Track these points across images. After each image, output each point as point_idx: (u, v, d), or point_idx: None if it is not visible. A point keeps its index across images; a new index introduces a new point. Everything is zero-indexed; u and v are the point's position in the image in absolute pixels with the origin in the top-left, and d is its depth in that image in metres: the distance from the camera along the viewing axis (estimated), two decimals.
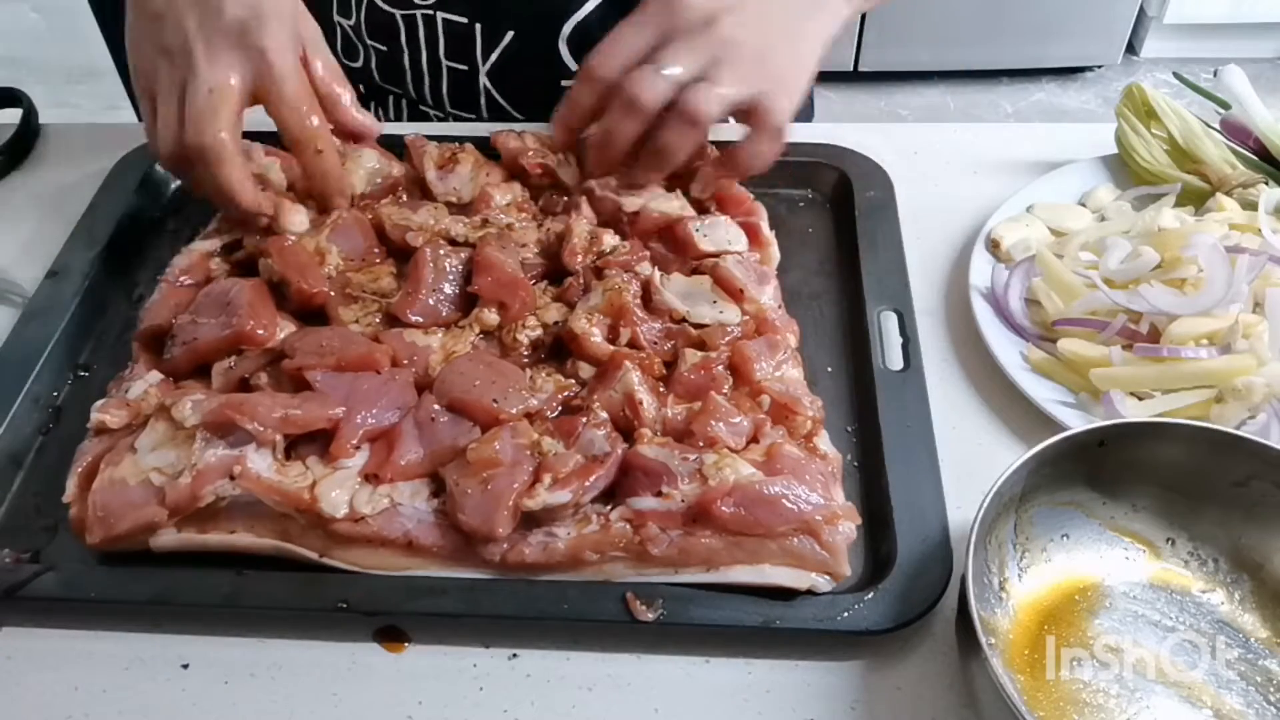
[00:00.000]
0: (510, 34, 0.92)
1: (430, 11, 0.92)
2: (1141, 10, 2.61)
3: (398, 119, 1.04)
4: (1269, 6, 2.56)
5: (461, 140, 0.83)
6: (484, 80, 0.96)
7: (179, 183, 0.87)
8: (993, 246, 0.78)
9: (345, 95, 0.74)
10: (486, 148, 0.82)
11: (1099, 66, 2.73)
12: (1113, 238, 0.74)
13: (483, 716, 0.57)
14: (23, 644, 0.60)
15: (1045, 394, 0.68)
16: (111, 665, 0.59)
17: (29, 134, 0.93)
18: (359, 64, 1.01)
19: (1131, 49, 2.72)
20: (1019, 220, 0.80)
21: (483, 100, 0.98)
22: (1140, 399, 0.67)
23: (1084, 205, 0.82)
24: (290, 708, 0.57)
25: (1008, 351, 0.71)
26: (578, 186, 0.78)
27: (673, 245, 0.75)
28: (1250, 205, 0.75)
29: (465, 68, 0.95)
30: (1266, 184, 0.77)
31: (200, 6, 0.67)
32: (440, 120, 1.01)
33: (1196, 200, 0.79)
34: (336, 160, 0.73)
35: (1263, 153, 0.80)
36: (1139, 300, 0.68)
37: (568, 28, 0.91)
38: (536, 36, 0.92)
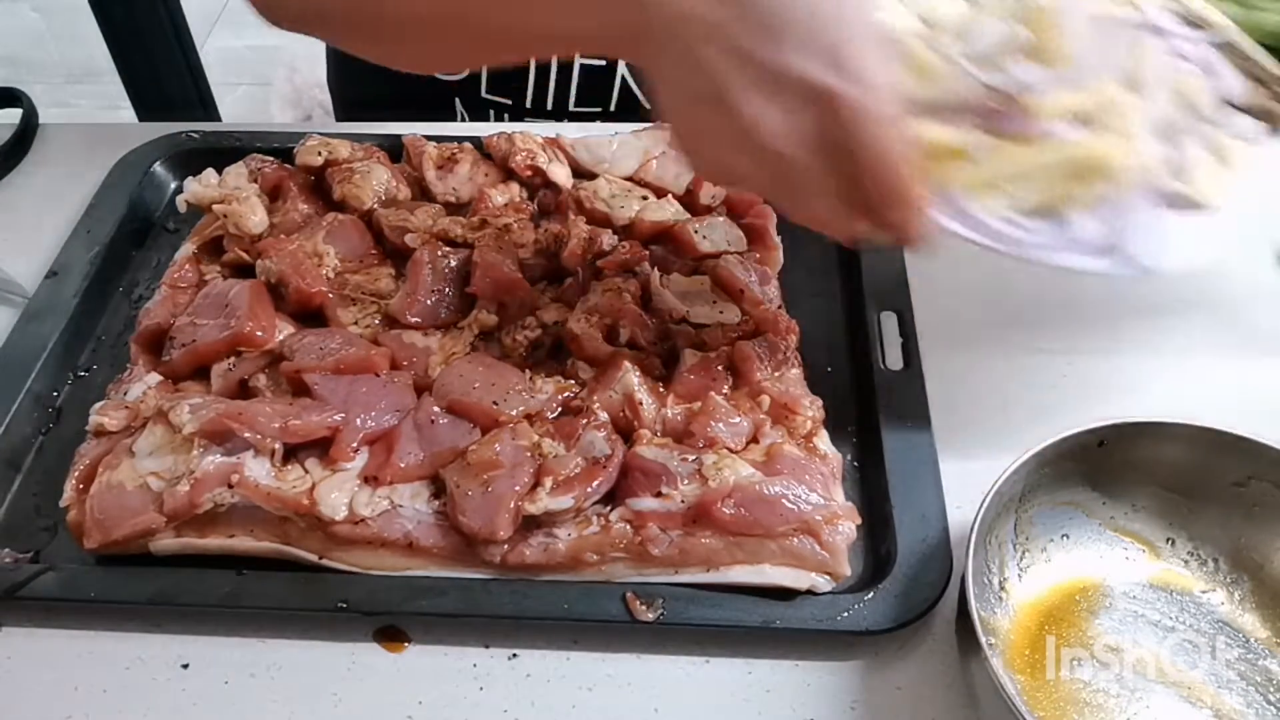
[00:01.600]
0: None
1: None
2: None
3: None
4: None
5: (460, 140, 0.83)
6: (622, 71, 0.95)
7: (179, 182, 0.87)
8: None
9: None
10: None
11: None
12: (985, 19, 0.65)
13: (483, 716, 0.57)
14: (23, 644, 0.60)
15: None
16: (111, 665, 0.59)
17: (29, 134, 0.93)
18: (461, 76, 1.00)
19: None
20: (880, 8, 0.67)
21: (615, 94, 0.96)
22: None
23: None
24: (290, 708, 0.57)
25: None
26: (569, 191, 0.78)
27: (672, 248, 0.75)
28: None
29: (603, 63, 0.94)
30: None
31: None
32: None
33: None
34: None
35: None
36: (1004, 79, 0.59)
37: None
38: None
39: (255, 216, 0.74)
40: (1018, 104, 0.60)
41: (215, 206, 0.75)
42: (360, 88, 1.11)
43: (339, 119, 1.18)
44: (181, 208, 0.78)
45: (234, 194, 0.75)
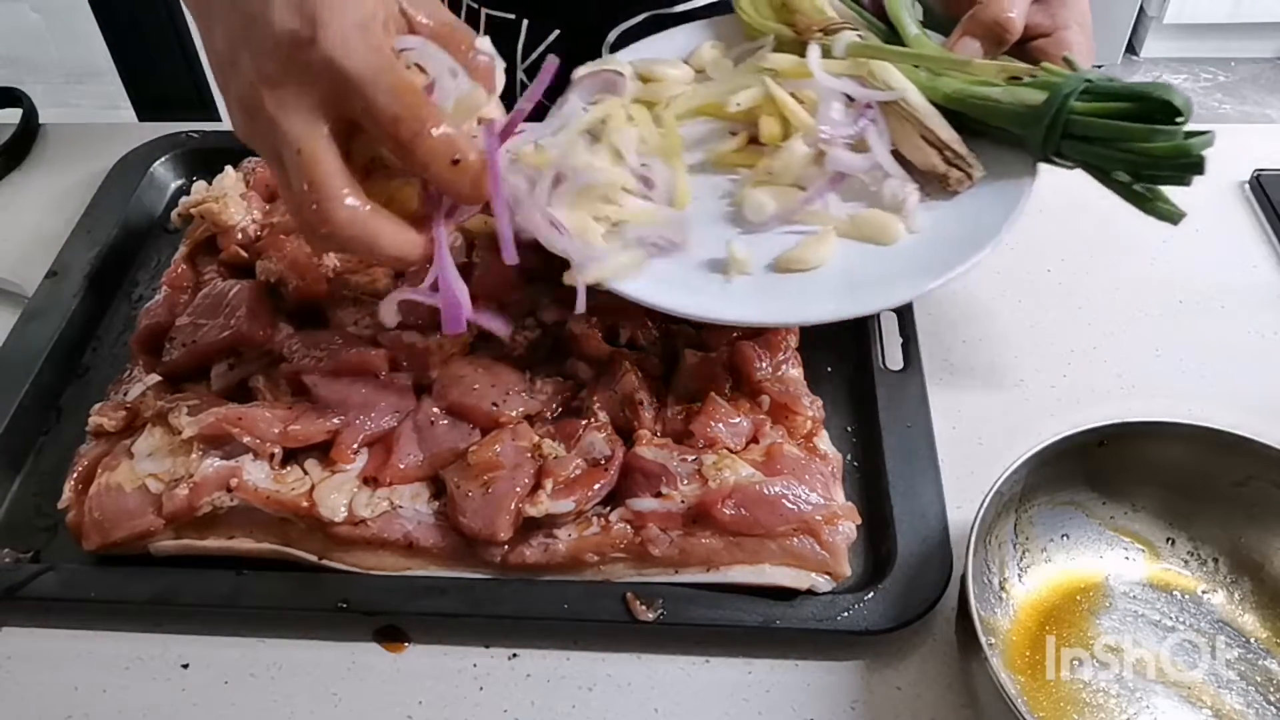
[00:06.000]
0: (556, 32, 0.92)
1: (475, 6, 0.93)
2: (1141, 10, 2.61)
3: None
4: (1269, 6, 2.56)
5: None
6: (520, 75, 0.95)
7: (179, 182, 0.87)
8: None
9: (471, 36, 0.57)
10: None
11: (1099, 66, 2.70)
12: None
13: (483, 716, 0.57)
14: (23, 644, 0.60)
15: None
16: (111, 665, 0.59)
17: (29, 134, 0.93)
18: None
19: (1131, 49, 2.72)
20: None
21: (518, 92, 0.97)
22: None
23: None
24: (290, 708, 0.57)
25: None
26: None
27: None
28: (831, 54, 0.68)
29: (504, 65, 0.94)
30: (858, 32, 0.69)
31: (246, 29, 0.49)
32: None
33: (799, 53, 0.70)
34: (479, 161, 0.53)
35: (879, 9, 0.72)
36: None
37: (613, 35, 0.91)
38: (582, 37, 0.91)
39: (231, 209, 0.75)
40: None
41: (193, 209, 0.76)
42: None
43: None
44: (175, 222, 0.79)
45: (215, 194, 0.76)
